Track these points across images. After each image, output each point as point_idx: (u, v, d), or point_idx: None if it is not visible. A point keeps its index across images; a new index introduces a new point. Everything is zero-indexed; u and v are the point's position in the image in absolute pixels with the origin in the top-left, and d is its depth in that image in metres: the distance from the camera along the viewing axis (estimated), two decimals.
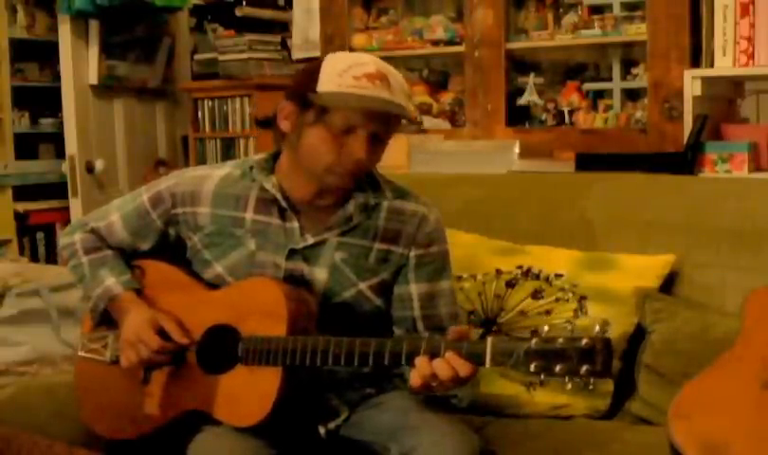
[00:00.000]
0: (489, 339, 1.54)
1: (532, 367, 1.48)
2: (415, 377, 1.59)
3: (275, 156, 1.87)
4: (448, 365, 1.55)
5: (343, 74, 1.70)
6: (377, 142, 1.75)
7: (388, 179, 1.89)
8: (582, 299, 2.10)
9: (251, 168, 1.85)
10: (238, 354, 1.74)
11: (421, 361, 1.57)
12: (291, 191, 1.83)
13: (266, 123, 1.87)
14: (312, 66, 1.77)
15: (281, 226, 1.82)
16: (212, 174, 1.90)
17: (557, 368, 1.46)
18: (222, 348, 1.77)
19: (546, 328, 1.55)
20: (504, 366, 1.53)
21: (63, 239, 2.00)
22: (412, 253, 1.84)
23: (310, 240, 1.82)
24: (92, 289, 1.92)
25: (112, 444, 1.91)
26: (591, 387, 1.49)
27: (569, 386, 1.48)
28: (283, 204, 1.82)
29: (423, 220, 1.85)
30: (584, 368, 1.44)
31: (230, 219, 1.85)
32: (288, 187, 1.83)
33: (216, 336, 1.79)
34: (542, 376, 1.49)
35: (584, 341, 1.45)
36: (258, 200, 1.84)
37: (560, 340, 1.47)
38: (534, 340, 1.49)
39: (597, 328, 1.48)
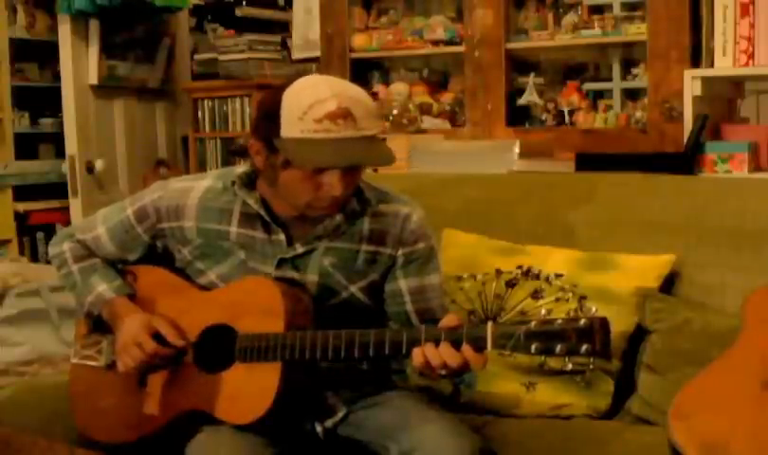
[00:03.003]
0: (489, 323, 1.56)
1: (533, 348, 1.50)
2: (420, 362, 1.59)
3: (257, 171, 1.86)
4: (457, 352, 1.56)
5: (304, 117, 1.65)
6: (353, 171, 1.74)
7: (370, 184, 1.88)
8: (582, 299, 2.10)
9: (233, 183, 1.84)
10: (235, 352, 1.75)
11: (428, 348, 1.58)
12: (275, 208, 1.82)
13: (240, 153, 1.86)
14: (271, 105, 1.70)
15: (266, 239, 1.83)
16: (195, 186, 1.89)
17: (558, 348, 1.48)
18: (219, 347, 1.77)
19: (544, 312, 1.56)
20: (505, 349, 1.55)
21: (51, 249, 2.01)
22: (400, 252, 1.85)
23: (300, 249, 1.82)
24: (84, 296, 1.92)
25: (111, 446, 1.91)
26: (591, 366, 1.50)
27: (569, 366, 1.50)
28: (267, 219, 1.82)
29: (406, 219, 1.85)
30: (584, 347, 1.47)
31: (216, 232, 1.85)
32: (272, 203, 1.82)
33: (213, 336, 1.80)
34: (543, 358, 1.51)
35: (582, 322, 1.48)
36: (242, 214, 1.84)
37: (559, 321, 1.50)
38: (533, 322, 1.52)
39: (594, 309, 1.50)
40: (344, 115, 1.65)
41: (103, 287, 1.90)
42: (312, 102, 1.66)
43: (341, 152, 1.66)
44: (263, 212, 1.81)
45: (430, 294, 1.86)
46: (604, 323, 1.48)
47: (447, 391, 2.08)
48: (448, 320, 1.62)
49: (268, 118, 1.71)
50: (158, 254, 1.93)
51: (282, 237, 1.82)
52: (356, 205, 1.83)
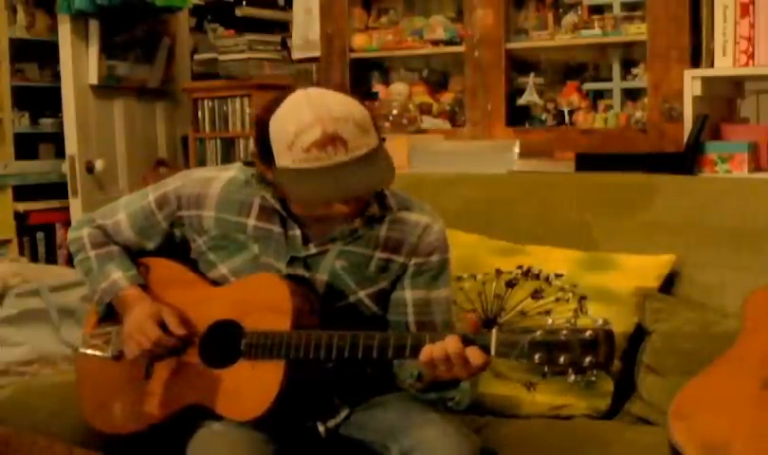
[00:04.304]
0: (494, 331, 1.56)
1: (536, 358, 1.50)
2: (427, 356, 1.58)
3: None
4: (461, 344, 1.56)
5: (292, 146, 1.64)
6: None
7: (393, 190, 1.87)
8: (582, 299, 2.10)
9: (253, 175, 1.85)
10: (241, 348, 1.75)
11: (435, 346, 1.58)
12: (292, 207, 1.82)
13: (252, 165, 1.86)
14: (262, 132, 1.70)
15: (282, 233, 1.83)
16: (219, 177, 1.90)
17: (561, 359, 1.48)
18: (225, 343, 1.78)
19: (550, 321, 1.56)
20: (509, 357, 1.55)
21: (71, 233, 2.02)
22: (412, 261, 1.83)
23: (313, 249, 1.82)
24: (98, 283, 1.93)
25: (112, 441, 1.92)
26: (593, 378, 1.50)
27: (572, 378, 1.50)
28: (284, 214, 1.82)
29: (426, 229, 1.84)
30: (587, 359, 1.47)
31: (234, 224, 1.85)
32: (288, 202, 1.82)
33: (220, 331, 1.80)
34: (546, 368, 1.50)
35: (588, 333, 1.48)
36: (261, 208, 1.84)
37: (564, 332, 1.50)
38: (538, 332, 1.51)
39: (600, 321, 1.50)
40: (332, 140, 1.62)
41: (118, 275, 1.90)
42: (296, 131, 1.64)
43: (335, 182, 1.63)
44: (279, 207, 1.81)
45: (435, 308, 1.85)
46: (609, 335, 1.48)
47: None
48: (464, 321, 1.63)
49: (263, 146, 1.71)
50: (176, 244, 1.93)
51: (297, 233, 1.82)
52: (376, 209, 1.82)
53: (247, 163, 1.89)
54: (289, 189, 1.69)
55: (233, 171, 1.90)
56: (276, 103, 1.70)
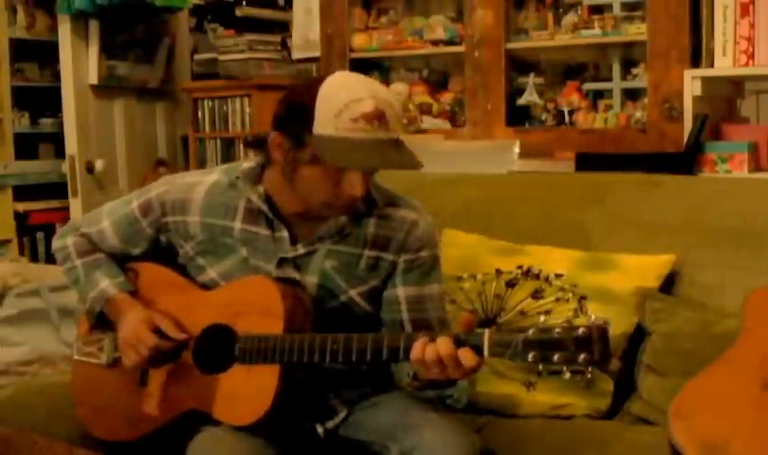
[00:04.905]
0: (487, 331, 1.55)
1: (530, 357, 1.48)
2: (418, 355, 1.57)
3: (263, 165, 1.85)
4: (453, 346, 1.55)
5: (340, 115, 1.65)
6: (371, 172, 1.76)
7: (379, 185, 1.87)
8: (582, 299, 2.10)
9: (237, 178, 1.84)
10: (234, 353, 1.75)
11: (428, 344, 1.57)
12: (280, 205, 1.81)
13: (256, 144, 1.84)
14: (304, 101, 1.69)
15: (269, 236, 1.82)
16: (202, 181, 1.89)
17: (555, 357, 1.47)
18: (218, 347, 1.77)
19: (543, 319, 1.55)
20: (503, 357, 1.53)
21: (55, 242, 2.01)
22: (402, 259, 1.83)
23: (301, 250, 1.82)
24: (87, 292, 1.92)
25: (111, 445, 1.91)
26: (589, 375, 1.49)
27: (567, 376, 1.49)
28: (270, 215, 1.81)
29: (413, 225, 1.84)
30: (582, 356, 1.45)
31: (220, 228, 1.85)
32: (277, 200, 1.81)
33: (212, 336, 1.80)
34: (540, 367, 1.50)
35: (581, 330, 1.46)
36: (246, 210, 1.83)
37: (558, 330, 1.49)
38: (531, 330, 1.50)
39: (594, 318, 1.49)
40: (379, 116, 1.66)
41: (106, 283, 1.90)
42: (348, 101, 1.66)
43: (376, 153, 1.67)
44: (265, 208, 1.81)
45: (428, 304, 1.84)
46: (603, 333, 1.46)
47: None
48: (460, 320, 1.62)
49: (299, 114, 1.69)
50: (163, 249, 1.93)
51: (285, 234, 1.81)
52: (361, 206, 1.82)
53: (249, 142, 1.88)
54: (327, 154, 1.67)
55: (216, 174, 1.89)
56: (316, 79, 1.73)
